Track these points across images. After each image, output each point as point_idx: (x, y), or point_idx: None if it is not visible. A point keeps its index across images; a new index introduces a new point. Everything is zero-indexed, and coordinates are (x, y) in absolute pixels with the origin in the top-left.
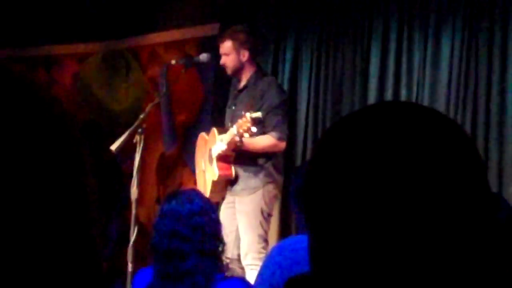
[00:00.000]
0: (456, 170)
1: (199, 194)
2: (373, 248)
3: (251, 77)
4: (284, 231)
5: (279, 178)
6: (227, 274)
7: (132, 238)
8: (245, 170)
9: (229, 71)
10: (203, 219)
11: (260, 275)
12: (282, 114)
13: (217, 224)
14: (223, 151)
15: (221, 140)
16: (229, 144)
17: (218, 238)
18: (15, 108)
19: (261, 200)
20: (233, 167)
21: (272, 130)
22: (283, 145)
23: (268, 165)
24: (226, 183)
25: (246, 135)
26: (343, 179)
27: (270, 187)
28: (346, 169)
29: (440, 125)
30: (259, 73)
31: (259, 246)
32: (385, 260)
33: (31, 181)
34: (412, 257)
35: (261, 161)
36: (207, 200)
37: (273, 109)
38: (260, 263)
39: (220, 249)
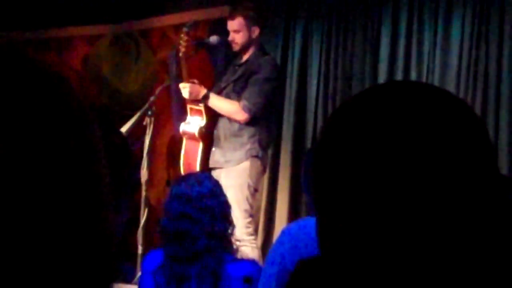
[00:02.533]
0: (466, 150)
1: (208, 177)
2: (381, 229)
3: (252, 54)
4: (293, 214)
5: (265, 155)
6: (237, 255)
7: (142, 220)
8: (230, 142)
9: (237, 47)
10: (212, 201)
11: (270, 258)
12: (260, 88)
13: (226, 206)
14: (187, 96)
15: (184, 88)
16: (190, 88)
17: (227, 220)
18: (26, 90)
19: (247, 175)
20: (204, 115)
21: (242, 98)
22: (245, 115)
23: (254, 140)
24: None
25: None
26: (351, 160)
27: (257, 162)
28: (354, 150)
29: (450, 105)
30: (261, 51)
31: (245, 221)
32: (394, 241)
33: (43, 162)
34: (421, 239)
35: (245, 134)
36: (216, 183)
37: (255, 81)
38: (247, 238)
39: (229, 231)
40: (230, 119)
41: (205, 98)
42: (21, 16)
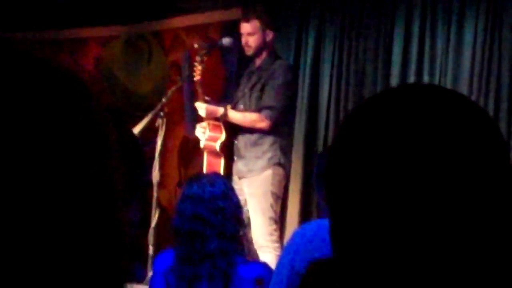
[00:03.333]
0: (480, 153)
1: (221, 178)
2: (395, 231)
3: (265, 59)
4: (305, 216)
5: (286, 161)
6: (248, 257)
7: (154, 221)
8: (251, 152)
9: (251, 51)
10: (224, 203)
11: (282, 259)
12: (277, 93)
13: (238, 207)
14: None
15: (200, 108)
16: (207, 110)
17: (239, 222)
18: (42, 90)
19: (270, 183)
20: (223, 130)
21: (262, 107)
22: (267, 123)
23: (275, 147)
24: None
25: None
26: (365, 163)
27: (279, 170)
28: (368, 152)
29: (463, 107)
30: (273, 55)
31: (270, 228)
32: (408, 243)
33: (57, 161)
34: (436, 241)
35: (266, 142)
36: (228, 184)
37: (272, 87)
38: (272, 245)
39: (241, 232)
40: (251, 130)
41: (224, 116)
42: (33, 17)
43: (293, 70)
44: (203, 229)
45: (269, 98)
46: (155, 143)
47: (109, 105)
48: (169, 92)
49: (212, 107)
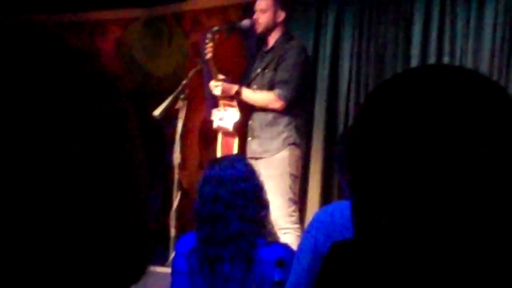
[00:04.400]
0: (503, 135)
1: (242, 160)
2: (417, 212)
3: (278, 39)
4: (326, 198)
5: (302, 141)
6: (270, 239)
7: (175, 203)
8: (266, 132)
9: (260, 28)
10: (246, 185)
11: (303, 241)
12: (290, 73)
13: (260, 189)
14: (219, 94)
15: (215, 86)
16: (222, 88)
17: (261, 204)
18: (57, 66)
19: (287, 163)
20: (238, 110)
21: (276, 87)
22: (281, 103)
23: (291, 127)
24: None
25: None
26: (386, 143)
27: (295, 150)
28: (389, 132)
29: (484, 88)
30: (287, 36)
31: (290, 209)
32: (430, 223)
33: (78, 140)
34: (458, 222)
35: (281, 122)
36: (250, 166)
37: (286, 67)
38: (291, 226)
39: (262, 214)
40: (266, 109)
41: (238, 94)
42: (53, 0)
43: (305, 49)
44: (224, 211)
45: (282, 77)
46: (176, 125)
47: (129, 87)
48: (190, 74)
49: (227, 85)
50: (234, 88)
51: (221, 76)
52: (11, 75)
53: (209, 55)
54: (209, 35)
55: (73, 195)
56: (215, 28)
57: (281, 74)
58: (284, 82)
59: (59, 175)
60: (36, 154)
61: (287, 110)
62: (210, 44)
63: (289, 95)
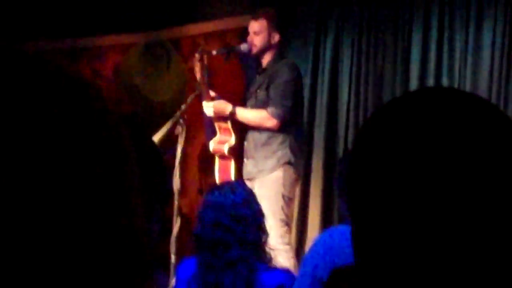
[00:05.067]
0: (501, 158)
1: (242, 185)
2: (417, 238)
3: (271, 60)
4: (326, 222)
5: (297, 161)
6: (270, 264)
7: (175, 229)
8: (260, 151)
9: (255, 50)
10: (246, 210)
11: (303, 266)
12: (283, 91)
13: (260, 215)
14: (212, 115)
15: (207, 107)
16: (215, 109)
17: (261, 229)
18: (54, 99)
19: (281, 184)
20: (233, 134)
21: (269, 105)
22: (274, 121)
23: (284, 146)
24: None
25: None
26: (386, 167)
27: (290, 170)
28: (388, 157)
29: (483, 111)
30: (279, 56)
31: (281, 230)
32: (429, 251)
33: (73, 171)
34: (459, 250)
35: (275, 141)
36: (250, 191)
37: (277, 85)
38: (283, 247)
39: (263, 240)
40: (260, 129)
41: (232, 114)
42: (52, 25)
43: (298, 67)
44: (224, 236)
45: (275, 96)
46: (175, 150)
47: (128, 113)
48: (188, 99)
49: (220, 105)
50: (228, 108)
51: (212, 93)
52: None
53: (198, 76)
54: (197, 56)
55: (66, 225)
56: (200, 49)
57: (274, 92)
58: (276, 100)
59: (50, 205)
60: (29, 183)
61: (280, 129)
62: (198, 65)
63: (282, 113)
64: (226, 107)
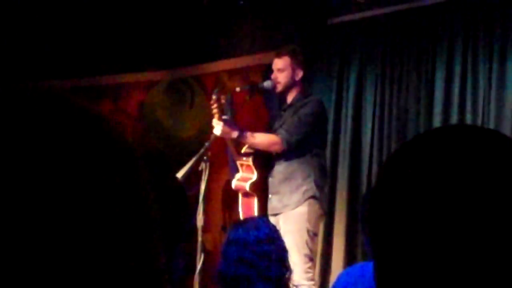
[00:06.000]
0: None
1: (265, 222)
2: (438, 276)
3: (296, 96)
4: (350, 258)
5: (322, 195)
6: None
7: (198, 265)
8: (285, 186)
9: (280, 87)
10: (269, 247)
11: None
12: (299, 121)
13: (283, 251)
14: (219, 134)
15: (216, 124)
16: (223, 129)
17: (284, 265)
18: (76, 139)
19: (306, 219)
20: (255, 171)
21: (282, 129)
22: (280, 146)
23: (309, 180)
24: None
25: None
26: (408, 205)
27: (315, 205)
28: (412, 195)
29: (507, 149)
30: (304, 93)
31: (305, 266)
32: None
33: (94, 210)
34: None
35: (300, 176)
36: (273, 228)
37: (296, 115)
38: (307, 283)
39: (286, 276)
40: (285, 165)
41: (239, 137)
42: (77, 63)
43: (323, 104)
44: (248, 273)
45: (291, 123)
46: (198, 187)
47: (152, 150)
48: (212, 136)
49: (227, 128)
50: (235, 132)
51: (224, 117)
52: (29, 146)
53: (216, 116)
54: (214, 97)
55: (86, 260)
56: (217, 90)
57: (291, 121)
58: (290, 127)
59: (69, 241)
60: (49, 219)
61: (305, 164)
62: (215, 105)
63: (292, 139)
64: (232, 132)
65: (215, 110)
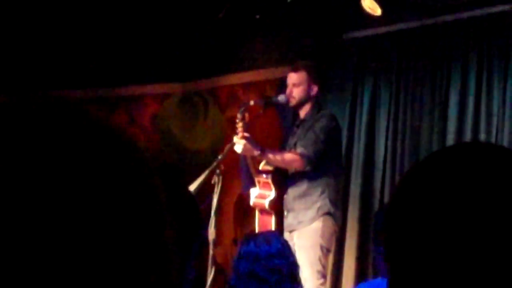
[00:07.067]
0: None
1: (277, 236)
2: None
3: (308, 112)
4: (361, 274)
5: (337, 213)
6: None
7: (209, 279)
8: (300, 203)
9: (294, 102)
10: (281, 261)
11: None
12: (315, 136)
13: (294, 266)
14: (240, 151)
15: (238, 143)
16: (244, 147)
17: (295, 280)
18: (91, 151)
19: (319, 235)
20: (273, 188)
21: (300, 146)
22: (302, 163)
23: (324, 196)
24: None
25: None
26: (423, 222)
27: (329, 221)
28: (426, 212)
29: None
30: (318, 108)
31: (318, 282)
32: None
33: (110, 223)
34: None
35: (315, 192)
36: (285, 243)
37: (312, 131)
38: None
39: None
40: (300, 182)
41: (261, 155)
42: (90, 74)
43: (336, 118)
44: (259, 287)
45: (306, 140)
46: (211, 200)
47: (166, 162)
48: (226, 149)
49: (249, 146)
50: (256, 151)
51: (246, 134)
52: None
53: (240, 134)
54: (238, 115)
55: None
56: (242, 108)
57: (308, 135)
58: (308, 142)
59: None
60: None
61: (319, 180)
62: (240, 124)
63: (312, 155)
64: (254, 149)
65: (240, 129)
